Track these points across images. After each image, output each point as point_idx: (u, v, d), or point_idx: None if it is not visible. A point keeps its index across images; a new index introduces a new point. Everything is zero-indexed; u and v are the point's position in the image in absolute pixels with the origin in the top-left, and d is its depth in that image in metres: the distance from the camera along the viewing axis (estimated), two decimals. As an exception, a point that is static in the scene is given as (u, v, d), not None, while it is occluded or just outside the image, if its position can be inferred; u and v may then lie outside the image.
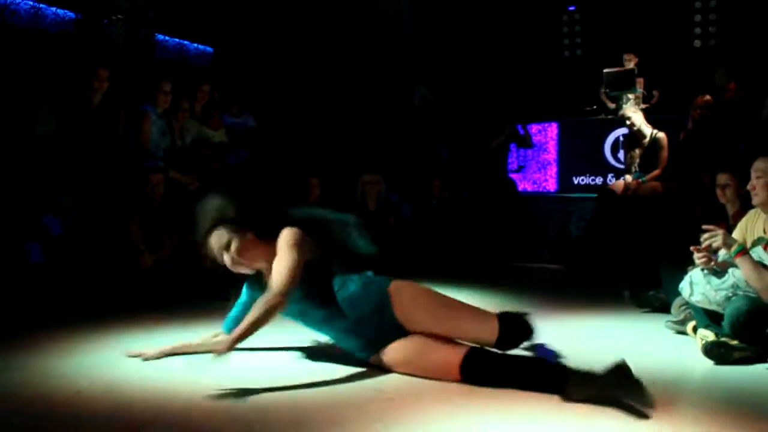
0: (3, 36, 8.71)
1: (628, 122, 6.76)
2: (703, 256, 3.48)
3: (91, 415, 2.53)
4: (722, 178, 4.36)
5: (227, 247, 3.01)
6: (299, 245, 2.93)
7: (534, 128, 8.56)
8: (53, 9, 9.57)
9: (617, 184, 6.82)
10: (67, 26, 9.06)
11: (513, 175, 7.94)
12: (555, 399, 2.62)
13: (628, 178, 6.67)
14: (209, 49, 10.50)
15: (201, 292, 4.82)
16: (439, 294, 3.04)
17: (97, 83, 5.62)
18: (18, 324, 4.09)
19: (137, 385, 2.87)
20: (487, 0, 9.98)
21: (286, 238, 2.97)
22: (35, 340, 3.61)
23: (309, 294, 2.99)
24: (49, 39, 9.05)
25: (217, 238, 3.02)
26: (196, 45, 10.57)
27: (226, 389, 2.73)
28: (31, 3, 9.56)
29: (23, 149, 5.50)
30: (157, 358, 3.18)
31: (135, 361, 3.25)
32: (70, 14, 9.08)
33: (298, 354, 3.40)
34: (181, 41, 10.56)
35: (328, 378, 2.94)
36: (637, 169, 6.68)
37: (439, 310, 2.94)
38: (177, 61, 9.66)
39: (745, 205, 3.86)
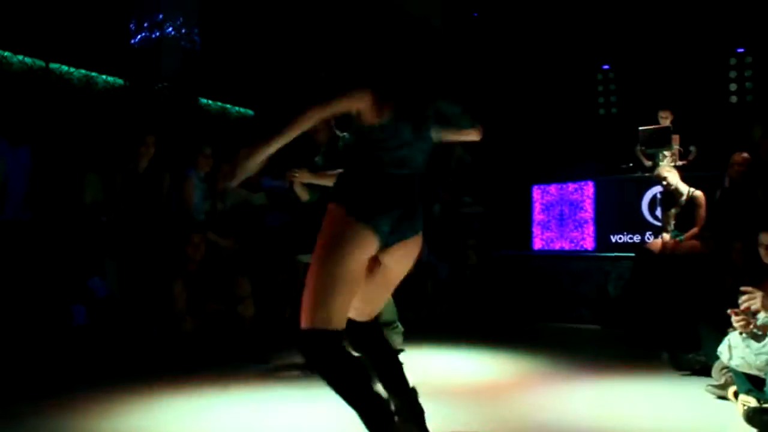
0: (57, 101, 9.15)
1: (664, 182, 6.73)
2: (742, 319, 3.43)
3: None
4: (766, 238, 4.28)
5: None
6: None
7: (570, 186, 8.58)
8: (104, 76, 10.04)
9: (655, 243, 6.76)
10: (115, 93, 9.47)
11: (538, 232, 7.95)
12: None
13: (666, 236, 6.61)
14: (250, 111, 10.84)
15: (241, 356, 4.90)
16: None
17: (144, 149, 5.82)
18: (62, 385, 4.19)
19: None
20: (522, 60, 10.15)
21: None
22: (78, 401, 3.70)
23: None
24: (99, 104, 9.47)
25: None
26: (237, 108, 10.94)
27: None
28: (84, 71, 10.04)
29: (71, 214, 5.71)
30: None
31: (177, 424, 3.31)
32: (120, 81, 9.49)
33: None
34: (224, 104, 10.94)
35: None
36: (674, 228, 6.62)
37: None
38: (219, 123, 9.97)
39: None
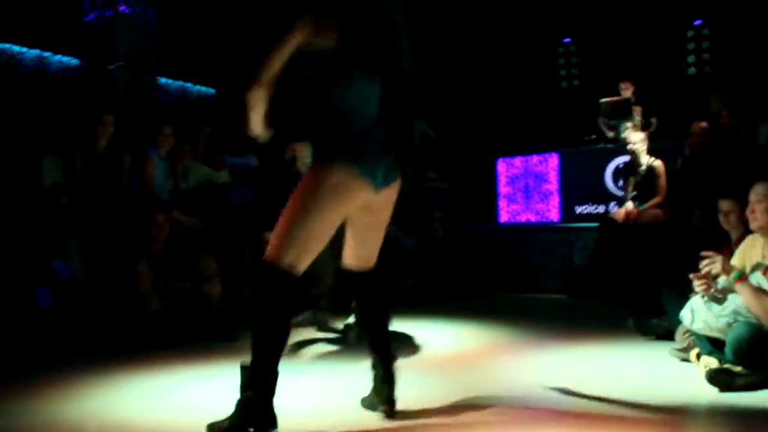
0: (8, 84, 8.88)
1: (629, 146, 6.79)
2: (703, 283, 3.50)
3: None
4: (725, 205, 4.34)
5: None
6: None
7: (535, 159, 8.65)
8: (58, 57, 9.77)
9: (618, 212, 6.85)
10: (71, 73, 9.23)
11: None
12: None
13: (630, 206, 6.71)
14: (211, 90, 10.67)
15: (208, 333, 4.86)
16: None
17: (102, 129, 5.73)
18: (23, 369, 4.11)
19: (147, 429, 2.89)
20: (483, 34, 10.14)
21: None
22: (39, 385, 3.63)
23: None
24: (53, 86, 9.23)
25: None
26: (198, 87, 10.75)
27: None
28: (37, 51, 9.77)
29: (30, 196, 5.59)
30: None
31: (145, 403, 3.28)
32: (75, 61, 9.26)
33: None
34: (184, 83, 10.74)
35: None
36: (636, 198, 6.70)
37: None
38: (179, 103, 9.79)
39: (749, 232, 3.87)
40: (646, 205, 6.59)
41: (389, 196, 2.77)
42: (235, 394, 2.59)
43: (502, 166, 8.93)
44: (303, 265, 2.57)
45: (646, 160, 6.76)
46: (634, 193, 6.73)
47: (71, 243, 5.57)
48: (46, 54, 9.89)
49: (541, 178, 8.49)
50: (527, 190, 8.40)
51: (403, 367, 3.06)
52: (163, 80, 9.48)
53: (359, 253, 2.87)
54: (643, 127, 8.06)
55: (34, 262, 5.58)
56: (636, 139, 6.84)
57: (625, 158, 7.28)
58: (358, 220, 2.80)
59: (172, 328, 4.86)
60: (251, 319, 2.55)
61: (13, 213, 5.53)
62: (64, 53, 9.65)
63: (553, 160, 8.50)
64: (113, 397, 3.41)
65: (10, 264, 5.38)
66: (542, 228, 8.11)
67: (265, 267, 2.54)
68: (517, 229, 8.28)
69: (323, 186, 2.56)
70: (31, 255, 5.57)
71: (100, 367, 4.02)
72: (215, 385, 3.61)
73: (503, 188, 8.88)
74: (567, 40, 10.42)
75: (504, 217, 8.84)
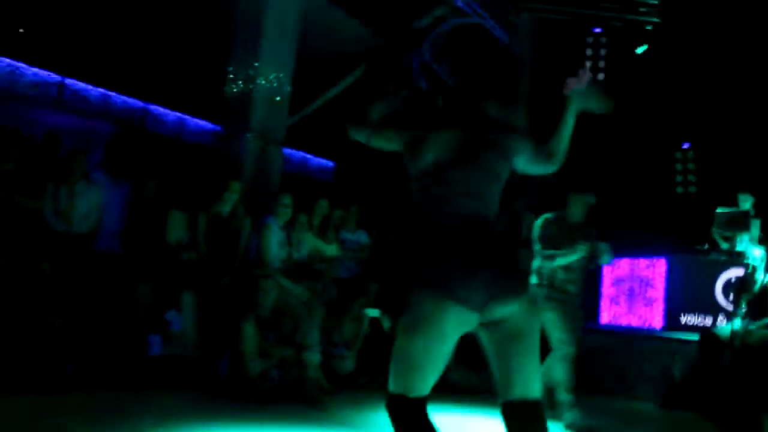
0: (150, 142, 9.68)
1: (747, 261, 6.55)
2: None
3: None
4: None
5: None
6: None
7: (642, 262, 8.50)
8: (196, 121, 10.59)
9: (723, 329, 6.60)
10: (206, 138, 9.96)
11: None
12: None
13: (737, 324, 6.46)
14: (331, 163, 11.19)
15: (301, 401, 5.04)
16: None
17: (228, 194, 6.15)
18: (129, 414, 4.41)
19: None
20: (600, 136, 10.18)
21: None
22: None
23: None
24: (189, 148, 9.96)
25: None
26: (318, 159, 11.31)
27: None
28: (179, 114, 10.62)
29: (156, 250, 6.04)
30: None
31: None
32: (211, 127, 9.99)
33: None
34: (305, 155, 11.33)
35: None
36: (746, 315, 6.45)
37: None
38: (299, 174, 10.32)
39: None
40: (757, 326, 6.32)
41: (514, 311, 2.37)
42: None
43: (607, 267, 8.81)
44: (419, 389, 2.37)
45: (761, 277, 6.51)
46: (745, 310, 6.47)
47: (186, 296, 5.94)
48: (186, 117, 10.75)
49: (646, 283, 8.32)
50: (632, 293, 8.23)
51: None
52: (286, 150, 10.08)
53: (505, 385, 2.45)
54: (762, 242, 7.79)
55: (151, 310, 5.99)
56: (756, 253, 6.61)
57: (738, 271, 7.04)
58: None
59: (268, 391, 5.08)
60: None
61: (138, 264, 5.99)
62: (202, 118, 10.47)
63: (660, 265, 8.33)
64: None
65: (129, 311, 5.80)
66: (643, 335, 7.89)
67: (387, 399, 2.40)
68: (617, 332, 8.10)
69: (413, 314, 2.41)
70: (149, 304, 5.99)
71: (195, 418, 4.25)
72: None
73: (607, 289, 8.74)
74: (686, 145, 10.31)
75: (605, 318, 8.68)
